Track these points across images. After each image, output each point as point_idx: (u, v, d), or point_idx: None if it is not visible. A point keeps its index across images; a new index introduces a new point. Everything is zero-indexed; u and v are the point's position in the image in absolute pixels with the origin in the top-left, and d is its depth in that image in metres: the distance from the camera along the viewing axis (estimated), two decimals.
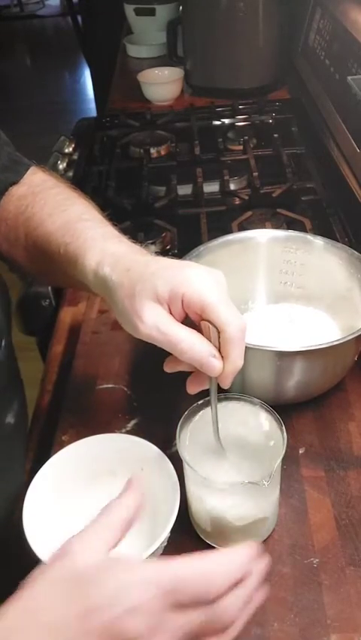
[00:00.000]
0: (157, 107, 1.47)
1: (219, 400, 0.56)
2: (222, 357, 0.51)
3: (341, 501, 0.61)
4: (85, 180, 1.17)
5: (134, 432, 0.69)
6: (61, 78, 4.73)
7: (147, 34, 1.78)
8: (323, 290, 0.76)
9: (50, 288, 0.90)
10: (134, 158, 1.24)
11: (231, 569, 0.41)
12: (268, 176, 1.11)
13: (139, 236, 0.98)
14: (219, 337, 0.51)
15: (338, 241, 0.78)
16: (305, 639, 0.51)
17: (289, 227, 0.94)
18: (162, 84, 1.49)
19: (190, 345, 0.50)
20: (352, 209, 0.97)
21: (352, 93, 0.92)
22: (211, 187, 1.12)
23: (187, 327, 0.51)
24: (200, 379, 0.54)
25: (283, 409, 0.70)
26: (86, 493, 0.59)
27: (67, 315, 0.89)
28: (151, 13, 1.76)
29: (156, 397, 0.72)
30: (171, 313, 0.52)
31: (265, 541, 0.58)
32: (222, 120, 1.35)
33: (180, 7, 1.52)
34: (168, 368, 0.55)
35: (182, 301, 0.51)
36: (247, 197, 1.07)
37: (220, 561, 0.41)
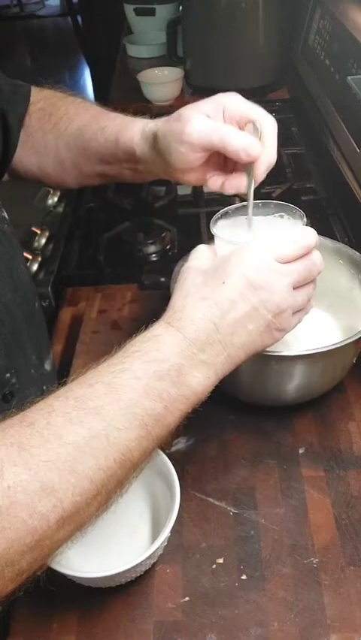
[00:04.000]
0: (157, 107, 1.47)
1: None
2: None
3: (341, 501, 0.61)
4: None
5: None
6: (61, 78, 4.72)
7: (147, 34, 1.78)
8: (324, 290, 0.76)
9: (49, 288, 0.90)
10: None
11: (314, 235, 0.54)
12: (268, 176, 1.10)
13: (139, 236, 0.98)
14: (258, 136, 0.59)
15: (338, 241, 0.78)
16: (305, 639, 0.51)
17: None
18: (162, 84, 1.49)
19: (237, 135, 0.58)
20: (352, 209, 0.97)
21: (352, 93, 0.92)
22: None
23: (232, 127, 0.60)
24: (238, 180, 0.62)
25: (284, 409, 0.70)
26: None
27: (67, 315, 0.89)
28: (151, 13, 1.75)
29: None
30: None
31: (264, 540, 0.58)
32: None
33: (180, 7, 1.52)
34: (228, 188, 0.63)
35: (223, 112, 0.60)
36: None
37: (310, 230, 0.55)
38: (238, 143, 0.58)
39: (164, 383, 0.47)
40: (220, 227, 0.60)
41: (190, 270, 0.54)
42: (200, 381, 0.49)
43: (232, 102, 0.61)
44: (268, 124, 0.60)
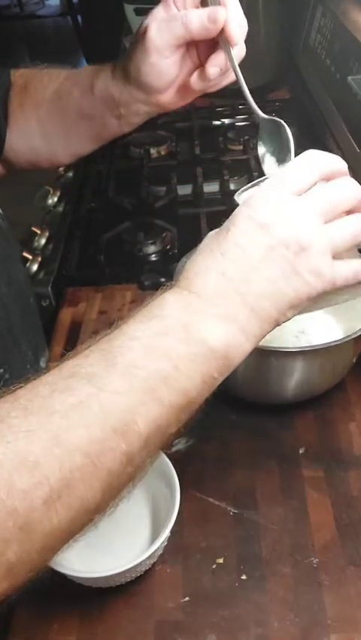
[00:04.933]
0: None
1: None
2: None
3: (341, 501, 0.61)
4: (85, 180, 1.18)
5: None
6: None
7: None
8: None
9: (49, 288, 0.90)
10: (134, 158, 1.24)
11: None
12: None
13: (139, 236, 0.98)
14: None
15: None
16: (305, 639, 0.51)
17: None
18: None
19: (195, 11, 0.57)
20: None
21: (352, 93, 0.92)
22: (211, 187, 1.12)
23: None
24: (216, 56, 0.60)
25: (284, 408, 0.70)
26: None
27: (67, 315, 0.89)
28: None
29: None
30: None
31: (264, 540, 0.58)
32: (222, 120, 1.35)
33: None
34: (193, 80, 0.61)
35: (175, 3, 0.58)
36: None
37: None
38: (199, 16, 0.56)
39: (168, 340, 0.41)
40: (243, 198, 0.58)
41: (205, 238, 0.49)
42: (218, 336, 0.42)
43: None
44: None
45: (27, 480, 0.34)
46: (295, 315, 0.45)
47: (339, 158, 0.46)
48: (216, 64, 0.60)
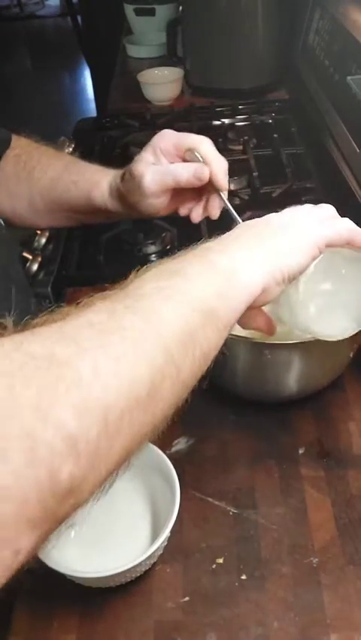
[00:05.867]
0: (157, 107, 1.47)
1: None
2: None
3: (340, 501, 0.61)
4: None
5: None
6: (61, 78, 4.72)
7: (147, 34, 1.78)
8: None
9: (49, 288, 0.90)
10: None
11: None
12: (268, 176, 1.11)
13: (139, 236, 0.98)
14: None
15: None
16: (305, 639, 0.51)
17: None
18: (161, 84, 1.49)
19: (183, 167, 0.66)
20: (352, 209, 0.97)
21: (351, 93, 0.92)
22: None
23: (177, 163, 0.67)
24: (198, 210, 0.70)
25: (283, 408, 0.70)
26: None
27: None
28: (151, 13, 1.75)
29: None
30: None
31: (264, 540, 0.58)
32: (222, 120, 1.35)
33: (180, 7, 1.52)
34: (195, 217, 0.71)
35: (161, 152, 0.67)
36: (247, 197, 1.07)
37: None
38: (186, 174, 0.65)
39: (202, 274, 0.44)
40: None
41: None
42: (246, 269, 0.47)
43: (163, 142, 0.67)
44: (200, 144, 0.66)
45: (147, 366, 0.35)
46: (290, 282, 0.50)
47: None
48: (217, 207, 0.69)
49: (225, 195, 0.68)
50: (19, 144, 0.79)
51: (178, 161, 0.67)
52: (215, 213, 0.70)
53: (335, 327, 0.56)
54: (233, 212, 0.67)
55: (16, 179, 0.76)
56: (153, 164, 0.67)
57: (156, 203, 0.68)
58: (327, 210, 0.56)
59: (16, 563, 0.29)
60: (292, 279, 0.49)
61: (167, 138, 0.68)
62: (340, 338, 0.56)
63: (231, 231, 0.51)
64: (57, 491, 0.30)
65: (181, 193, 0.69)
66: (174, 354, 0.38)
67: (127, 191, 0.69)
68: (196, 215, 0.71)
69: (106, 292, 0.41)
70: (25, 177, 0.75)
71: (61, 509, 0.30)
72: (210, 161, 0.66)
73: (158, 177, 0.66)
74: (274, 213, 0.54)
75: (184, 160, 0.67)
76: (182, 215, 0.72)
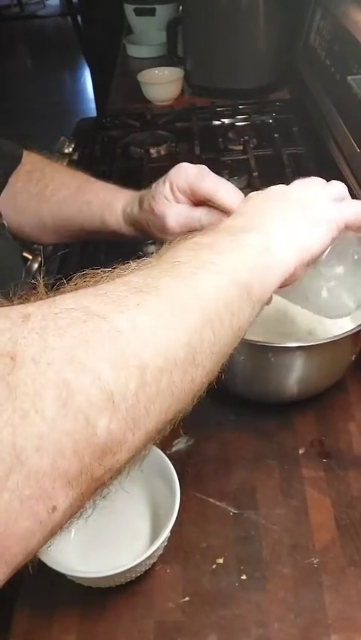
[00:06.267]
0: (157, 107, 1.47)
1: None
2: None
3: (341, 501, 0.61)
4: None
5: None
6: (61, 78, 4.73)
7: (147, 34, 1.78)
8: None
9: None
10: (135, 158, 1.24)
11: None
12: (268, 176, 1.11)
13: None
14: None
15: None
16: (306, 639, 0.51)
17: None
18: (162, 84, 1.49)
19: (208, 216, 0.63)
20: None
21: (352, 93, 0.92)
22: None
23: (200, 207, 0.64)
24: None
25: (284, 408, 0.70)
26: None
27: None
28: (151, 13, 1.75)
29: None
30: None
31: (265, 540, 0.58)
32: (223, 120, 1.35)
33: (180, 7, 1.52)
34: None
35: (178, 188, 0.64)
36: None
37: None
38: (212, 218, 0.63)
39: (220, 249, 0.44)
40: None
41: None
42: (253, 240, 0.46)
43: (180, 181, 0.64)
44: (216, 194, 0.62)
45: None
46: (311, 265, 0.49)
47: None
48: None
49: None
50: (31, 160, 0.78)
51: (192, 202, 0.64)
52: None
53: (340, 309, 0.57)
54: None
55: (26, 196, 0.75)
56: (171, 201, 0.65)
57: (174, 235, 0.67)
58: (341, 188, 0.55)
59: (51, 522, 0.28)
60: (314, 261, 0.49)
61: (183, 178, 0.64)
62: (343, 317, 0.58)
63: (248, 204, 0.51)
64: (93, 446, 0.29)
65: None
66: (212, 319, 0.38)
67: (146, 224, 0.67)
68: None
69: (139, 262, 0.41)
70: (37, 194, 0.74)
71: (98, 469, 0.29)
72: (228, 210, 0.63)
73: (182, 220, 0.64)
74: (283, 185, 0.53)
75: (199, 202, 0.65)
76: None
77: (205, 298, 0.38)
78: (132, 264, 0.40)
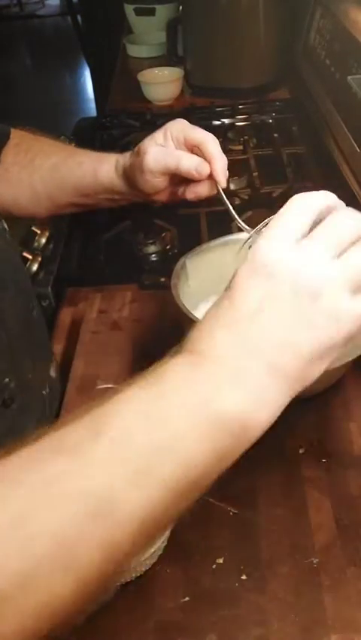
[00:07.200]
0: (157, 106, 1.47)
1: None
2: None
3: (341, 501, 0.61)
4: None
5: None
6: (61, 78, 4.72)
7: (147, 34, 1.78)
8: None
9: (49, 288, 0.90)
10: None
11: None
12: (268, 176, 1.11)
13: (139, 236, 0.98)
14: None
15: None
16: (306, 639, 0.51)
17: None
18: (162, 84, 1.49)
19: (187, 158, 0.68)
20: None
21: (352, 93, 0.92)
22: None
23: (183, 151, 0.70)
24: (196, 186, 0.71)
25: (284, 408, 0.70)
26: None
27: (67, 315, 0.89)
28: (151, 13, 1.75)
29: None
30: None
31: (264, 540, 0.58)
32: (222, 120, 1.35)
33: (180, 7, 1.52)
34: (189, 194, 0.72)
35: (170, 137, 0.70)
36: (247, 197, 1.07)
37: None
38: (188, 165, 0.68)
39: (170, 407, 0.36)
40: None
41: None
42: (228, 402, 0.37)
43: (175, 129, 0.70)
44: (206, 143, 0.68)
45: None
46: (333, 363, 0.41)
47: (326, 192, 0.43)
48: (193, 192, 0.72)
49: (221, 192, 0.70)
50: (18, 134, 0.79)
51: (184, 150, 0.70)
52: (190, 198, 0.72)
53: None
54: (232, 210, 0.69)
55: (17, 168, 0.76)
56: (161, 145, 0.70)
57: (154, 182, 0.70)
58: (339, 224, 0.40)
59: None
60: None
61: (179, 126, 0.70)
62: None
63: (232, 296, 0.39)
64: None
65: (180, 184, 0.72)
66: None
67: (130, 166, 0.71)
68: (189, 192, 0.72)
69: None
70: (27, 164, 0.76)
71: None
72: (211, 159, 0.68)
73: (160, 157, 0.69)
74: (282, 252, 0.39)
75: (190, 151, 0.70)
76: (180, 195, 0.73)
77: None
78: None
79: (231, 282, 0.40)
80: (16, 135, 0.79)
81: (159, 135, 0.70)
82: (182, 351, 0.39)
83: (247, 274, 0.39)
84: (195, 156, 0.69)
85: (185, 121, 0.72)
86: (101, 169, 0.74)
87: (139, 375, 0.38)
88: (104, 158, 0.75)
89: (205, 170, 0.68)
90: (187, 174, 0.69)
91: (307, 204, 0.41)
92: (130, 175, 0.72)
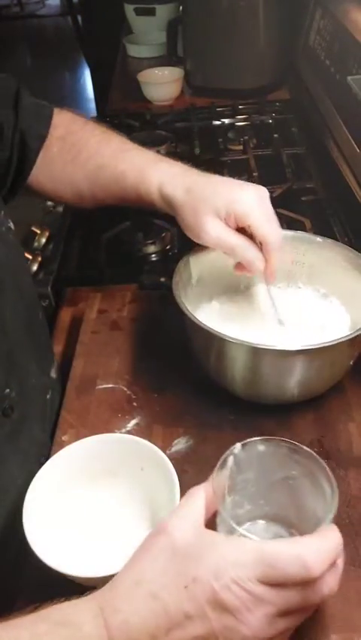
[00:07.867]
0: (157, 107, 1.47)
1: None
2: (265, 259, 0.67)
3: (341, 501, 0.61)
4: None
5: (135, 432, 0.69)
6: (61, 78, 4.73)
7: (147, 34, 1.78)
8: (332, 288, 0.76)
9: (49, 288, 0.90)
10: None
11: (327, 555, 0.43)
12: (268, 176, 1.11)
13: (139, 236, 0.98)
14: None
15: (338, 241, 0.78)
16: (306, 639, 0.51)
17: (289, 228, 0.94)
18: (162, 84, 1.49)
19: (243, 250, 0.66)
20: (352, 209, 0.97)
21: (352, 93, 0.92)
22: None
23: (241, 235, 0.66)
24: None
25: (283, 409, 0.70)
26: (87, 494, 0.59)
27: (67, 315, 0.89)
28: (151, 13, 1.76)
29: (155, 397, 0.72)
30: (228, 224, 0.66)
31: None
32: (223, 120, 1.35)
33: (180, 7, 1.52)
34: (237, 270, 0.70)
35: (234, 218, 0.65)
36: None
37: (317, 547, 0.43)
38: (244, 257, 0.66)
39: None
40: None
41: (162, 537, 0.44)
42: None
43: (241, 209, 0.65)
44: (273, 245, 0.66)
45: None
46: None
47: (336, 541, 0.45)
48: (241, 270, 0.70)
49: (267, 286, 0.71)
50: (63, 121, 0.77)
51: (232, 227, 0.67)
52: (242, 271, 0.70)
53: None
54: (274, 306, 0.71)
55: (61, 164, 0.75)
56: (219, 219, 0.66)
57: (204, 242, 0.68)
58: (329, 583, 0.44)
59: None
60: None
61: (247, 209, 0.66)
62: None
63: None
64: None
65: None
66: None
67: (182, 219, 0.69)
68: (238, 268, 0.70)
69: None
70: (71, 161, 0.75)
71: None
72: (269, 260, 0.67)
73: (216, 237, 0.66)
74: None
75: (237, 229, 0.67)
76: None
77: None
78: None
79: (191, 573, 0.41)
80: (60, 122, 0.77)
81: (220, 206, 0.65)
82: (96, 615, 0.42)
83: (204, 591, 0.41)
84: (254, 248, 0.66)
85: (255, 200, 0.66)
86: (143, 188, 0.71)
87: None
88: (146, 175, 0.71)
89: (260, 267, 0.67)
90: (245, 263, 0.67)
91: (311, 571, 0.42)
92: (181, 222, 0.70)
